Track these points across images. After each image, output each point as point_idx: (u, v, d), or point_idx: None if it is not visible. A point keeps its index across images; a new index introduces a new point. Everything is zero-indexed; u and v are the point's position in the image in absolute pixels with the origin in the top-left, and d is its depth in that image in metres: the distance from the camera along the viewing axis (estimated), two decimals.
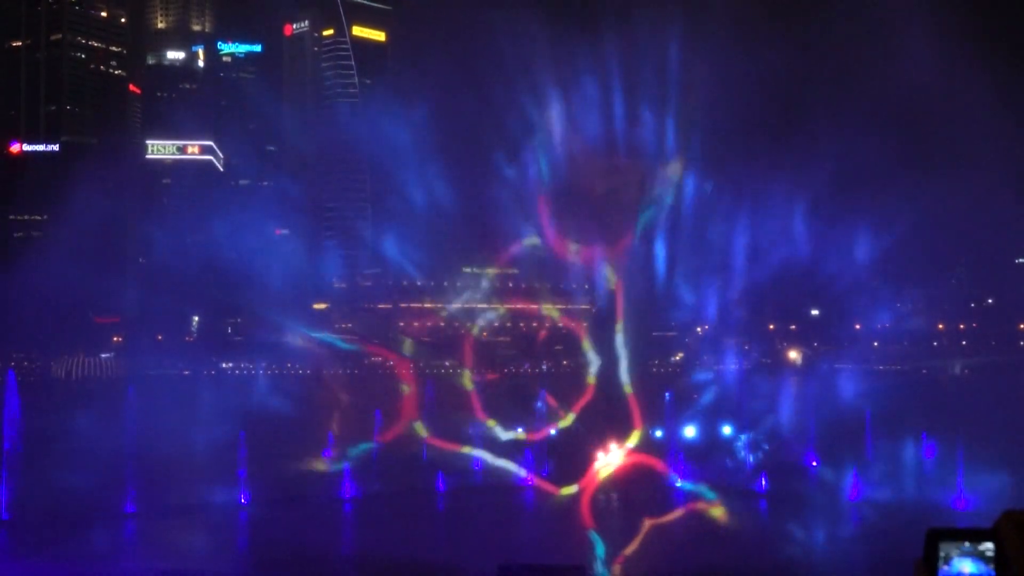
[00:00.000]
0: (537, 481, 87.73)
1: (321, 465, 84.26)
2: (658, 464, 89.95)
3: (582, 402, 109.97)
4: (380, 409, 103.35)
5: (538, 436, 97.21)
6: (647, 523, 71.93)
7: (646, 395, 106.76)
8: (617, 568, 59.66)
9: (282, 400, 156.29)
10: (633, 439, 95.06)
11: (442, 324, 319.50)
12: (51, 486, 76.37)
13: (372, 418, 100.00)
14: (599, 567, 59.18)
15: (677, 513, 79.31)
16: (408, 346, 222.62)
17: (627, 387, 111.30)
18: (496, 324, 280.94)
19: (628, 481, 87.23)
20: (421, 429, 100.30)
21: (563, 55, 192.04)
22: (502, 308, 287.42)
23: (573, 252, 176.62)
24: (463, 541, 68.00)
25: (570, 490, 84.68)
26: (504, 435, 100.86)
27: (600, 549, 63.24)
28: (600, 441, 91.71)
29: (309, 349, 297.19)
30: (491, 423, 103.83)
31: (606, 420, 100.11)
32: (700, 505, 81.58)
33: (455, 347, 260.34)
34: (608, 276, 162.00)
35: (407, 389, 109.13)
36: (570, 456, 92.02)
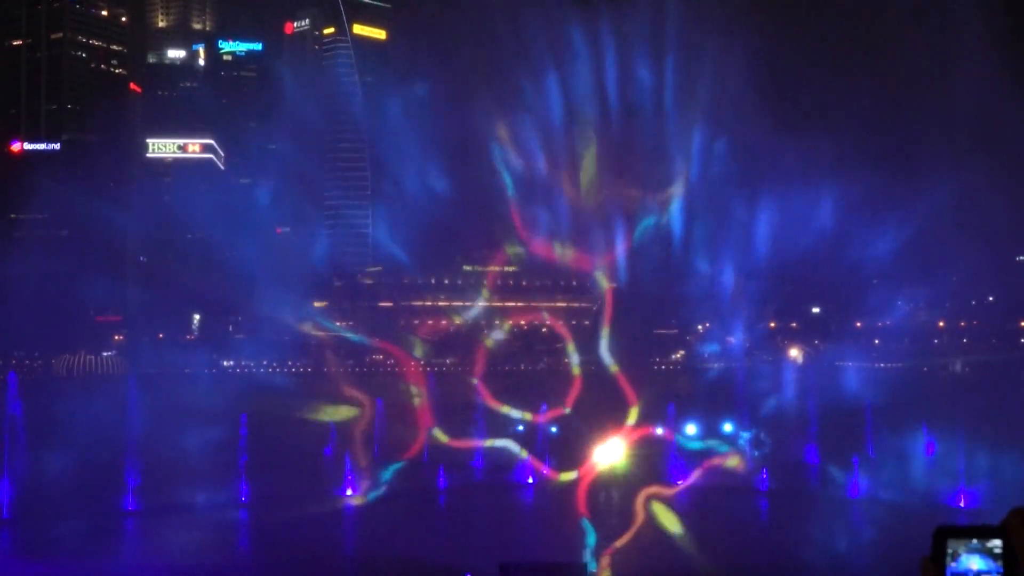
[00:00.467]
0: (538, 464, 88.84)
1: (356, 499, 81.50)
2: (665, 433, 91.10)
3: (573, 395, 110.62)
4: (394, 413, 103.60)
5: (542, 419, 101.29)
6: (654, 502, 72.51)
7: (640, 374, 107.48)
8: (612, 561, 59.63)
9: (286, 399, 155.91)
10: (632, 416, 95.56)
11: (443, 322, 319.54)
12: (51, 484, 76.37)
13: (390, 426, 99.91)
14: (593, 558, 59.28)
15: (693, 476, 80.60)
16: (417, 346, 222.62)
17: (613, 367, 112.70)
18: (497, 322, 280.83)
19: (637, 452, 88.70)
20: (441, 435, 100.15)
21: (565, 45, 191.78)
22: (502, 307, 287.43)
23: (571, 251, 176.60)
24: (464, 539, 67.91)
25: (569, 476, 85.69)
26: (514, 414, 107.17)
27: (592, 538, 63.55)
28: (598, 432, 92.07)
29: (310, 346, 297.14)
30: (505, 408, 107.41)
31: (602, 408, 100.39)
32: (715, 460, 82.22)
33: (456, 345, 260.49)
34: (604, 276, 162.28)
35: (418, 399, 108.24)
36: (569, 448, 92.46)
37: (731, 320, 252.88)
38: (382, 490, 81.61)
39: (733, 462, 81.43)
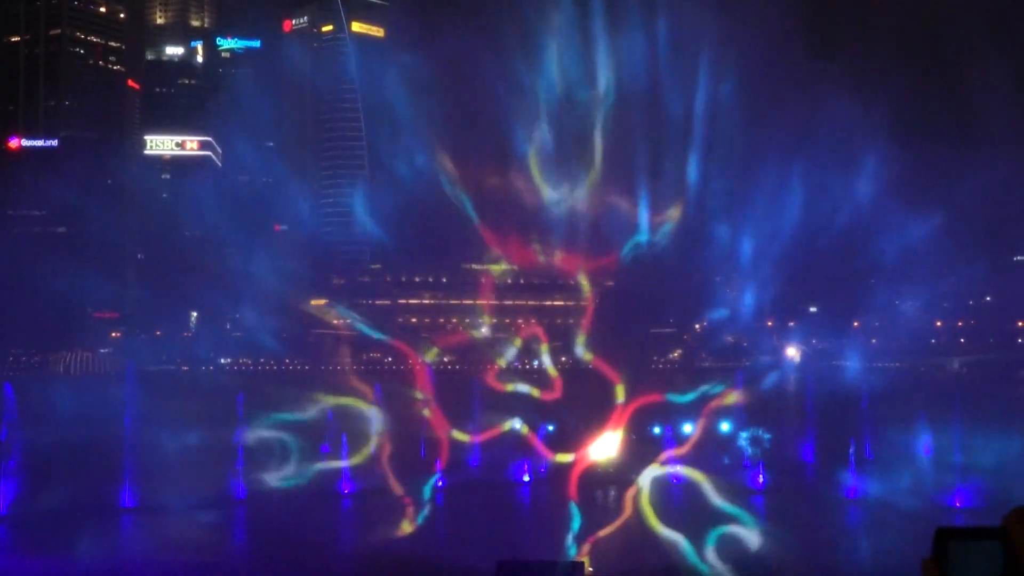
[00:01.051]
0: (537, 443, 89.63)
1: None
2: (659, 398, 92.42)
3: (563, 389, 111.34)
4: (406, 416, 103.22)
5: (546, 397, 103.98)
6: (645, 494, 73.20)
7: (620, 359, 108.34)
8: (598, 552, 60.04)
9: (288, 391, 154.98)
10: (620, 395, 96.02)
11: (441, 320, 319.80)
12: (49, 481, 76.32)
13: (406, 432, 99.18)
14: (576, 544, 59.85)
15: (697, 432, 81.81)
16: (418, 344, 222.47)
17: (587, 356, 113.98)
18: (495, 321, 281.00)
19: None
20: (461, 435, 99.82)
21: (564, 36, 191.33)
22: (500, 305, 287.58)
23: (571, 250, 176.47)
24: (462, 537, 67.87)
25: (567, 458, 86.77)
26: (520, 389, 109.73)
27: (577, 523, 64.40)
28: (595, 427, 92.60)
29: (309, 344, 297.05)
30: (509, 387, 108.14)
31: (594, 401, 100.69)
32: (713, 404, 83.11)
33: (455, 343, 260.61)
34: (598, 274, 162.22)
35: (427, 404, 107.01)
36: (565, 444, 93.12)
37: (729, 318, 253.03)
38: (426, 509, 78.46)
39: (731, 399, 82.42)
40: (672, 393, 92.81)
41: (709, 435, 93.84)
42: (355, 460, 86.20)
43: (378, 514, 75.01)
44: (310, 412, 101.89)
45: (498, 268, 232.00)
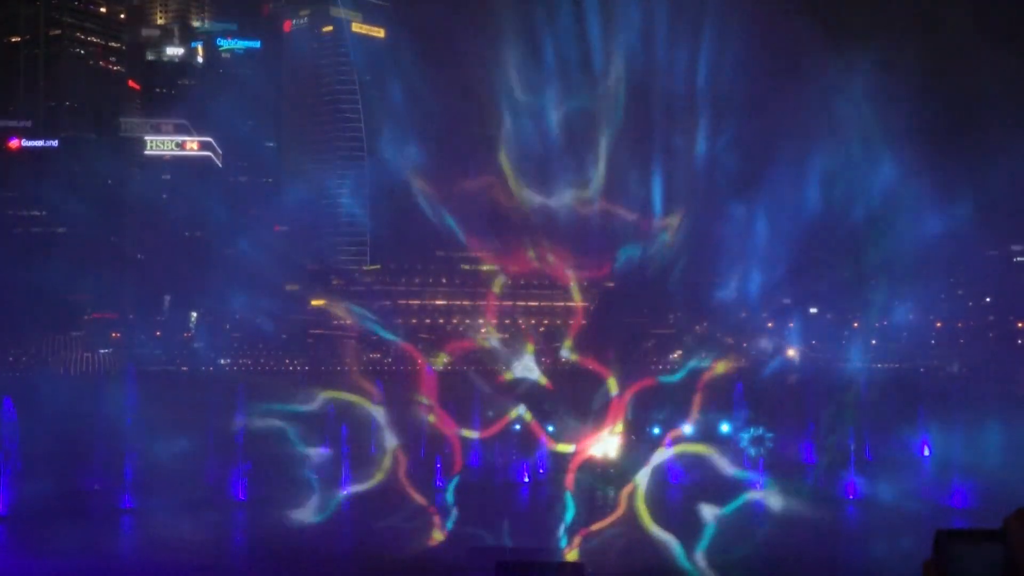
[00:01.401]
0: (539, 431, 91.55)
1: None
2: (651, 382, 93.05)
3: (559, 387, 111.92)
4: (412, 417, 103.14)
5: (551, 387, 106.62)
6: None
7: (619, 360, 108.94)
8: (591, 549, 60.28)
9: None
10: (612, 387, 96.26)
11: (441, 321, 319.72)
12: (49, 482, 76.35)
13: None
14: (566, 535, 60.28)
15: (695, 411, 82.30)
16: (419, 345, 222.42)
17: (573, 356, 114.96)
18: (495, 322, 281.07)
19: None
20: (470, 433, 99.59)
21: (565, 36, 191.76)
22: (500, 306, 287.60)
23: (572, 252, 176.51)
24: (461, 536, 67.90)
25: (567, 448, 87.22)
26: (524, 380, 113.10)
27: (570, 514, 64.68)
28: (594, 427, 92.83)
29: (307, 344, 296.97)
30: (508, 376, 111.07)
31: (590, 400, 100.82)
32: (708, 375, 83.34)
33: (454, 344, 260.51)
34: (591, 276, 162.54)
35: (432, 414, 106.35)
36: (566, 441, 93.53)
37: (729, 319, 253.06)
38: (454, 516, 76.37)
39: (721, 368, 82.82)
40: (664, 376, 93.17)
41: (709, 429, 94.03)
42: (371, 483, 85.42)
43: (377, 512, 75.07)
44: (311, 407, 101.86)
45: (498, 269, 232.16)
